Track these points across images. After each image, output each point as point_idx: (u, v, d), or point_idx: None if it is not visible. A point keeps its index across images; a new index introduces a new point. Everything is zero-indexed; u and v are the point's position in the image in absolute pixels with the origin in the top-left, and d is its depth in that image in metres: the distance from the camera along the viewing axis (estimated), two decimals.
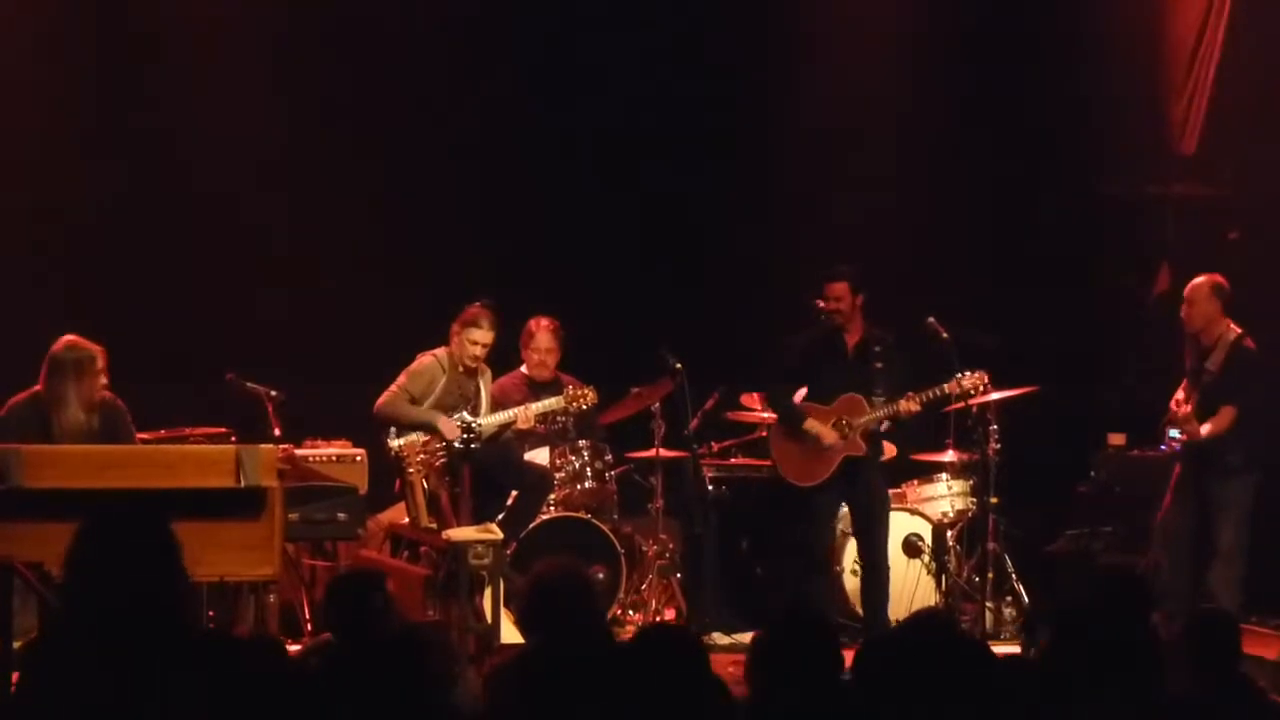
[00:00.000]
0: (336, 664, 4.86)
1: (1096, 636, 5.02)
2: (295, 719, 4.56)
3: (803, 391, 10.47)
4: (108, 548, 4.52)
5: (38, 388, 9.27)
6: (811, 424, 10.24)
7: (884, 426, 10.39)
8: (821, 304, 10.27)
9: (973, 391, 10.38)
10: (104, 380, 9.27)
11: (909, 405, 10.26)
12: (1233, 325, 10.31)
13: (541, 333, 11.02)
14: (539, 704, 5.02)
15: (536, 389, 10.91)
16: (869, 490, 10.38)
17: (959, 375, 10.30)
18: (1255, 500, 10.27)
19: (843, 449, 10.23)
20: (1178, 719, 5.06)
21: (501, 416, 10.38)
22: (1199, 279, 10.41)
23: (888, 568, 10.37)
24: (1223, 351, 10.24)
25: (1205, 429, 10.17)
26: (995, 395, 10.67)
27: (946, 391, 10.33)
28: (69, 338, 9.30)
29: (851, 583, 10.75)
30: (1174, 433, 10.45)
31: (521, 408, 10.44)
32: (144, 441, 9.78)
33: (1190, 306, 10.36)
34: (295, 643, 9.59)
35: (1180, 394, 10.46)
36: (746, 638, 9.45)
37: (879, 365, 10.28)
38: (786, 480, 10.49)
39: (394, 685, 4.53)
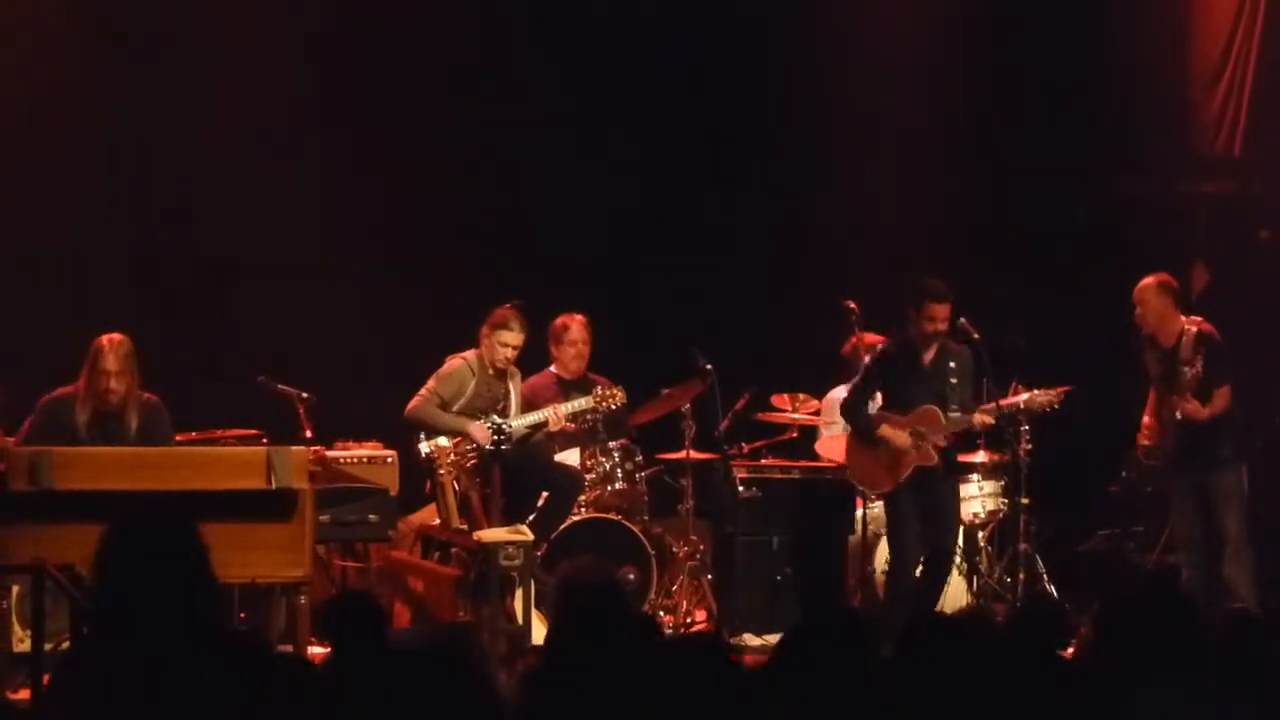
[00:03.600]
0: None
1: (1141, 636, 5.00)
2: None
3: (878, 400, 10.43)
4: (131, 551, 4.52)
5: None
6: (885, 430, 10.17)
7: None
8: (928, 325, 10.13)
9: (1049, 407, 10.33)
10: (113, 384, 9.28)
11: (984, 419, 10.23)
12: (1188, 318, 10.30)
13: (575, 326, 11.02)
14: (574, 705, 5.01)
15: (566, 388, 10.90)
16: (942, 500, 10.30)
17: (1034, 390, 10.28)
18: (1250, 488, 10.30)
19: (915, 459, 10.16)
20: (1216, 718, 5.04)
21: (532, 418, 10.37)
22: (1145, 280, 10.39)
23: (949, 573, 10.34)
24: (1191, 344, 10.23)
25: (1206, 411, 10.17)
26: (1026, 396, 10.65)
27: (1021, 406, 10.29)
28: (108, 334, 9.37)
29: (884, 583, 10.73)
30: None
31: (551, 408, 10.43)
32: (177, 443, 9.81)
33: (1142, 307, 10.35)
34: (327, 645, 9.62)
35: (1147, 418, 10.47)
36: (777, 639, 9.45)
37: (954, 380, 10.23)
38: (861, 488, 10.51)
39: (430, 689, 4.53)
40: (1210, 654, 5.09)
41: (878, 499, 10.57)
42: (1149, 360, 10.43)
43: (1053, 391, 10.35)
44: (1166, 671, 4.94)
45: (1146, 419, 10.51)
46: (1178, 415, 10.17)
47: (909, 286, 10.24)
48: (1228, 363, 10.24)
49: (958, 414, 10.17)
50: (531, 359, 10.77)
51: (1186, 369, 10.16)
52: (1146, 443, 10.62)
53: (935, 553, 10.25)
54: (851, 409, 10.43)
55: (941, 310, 10.09)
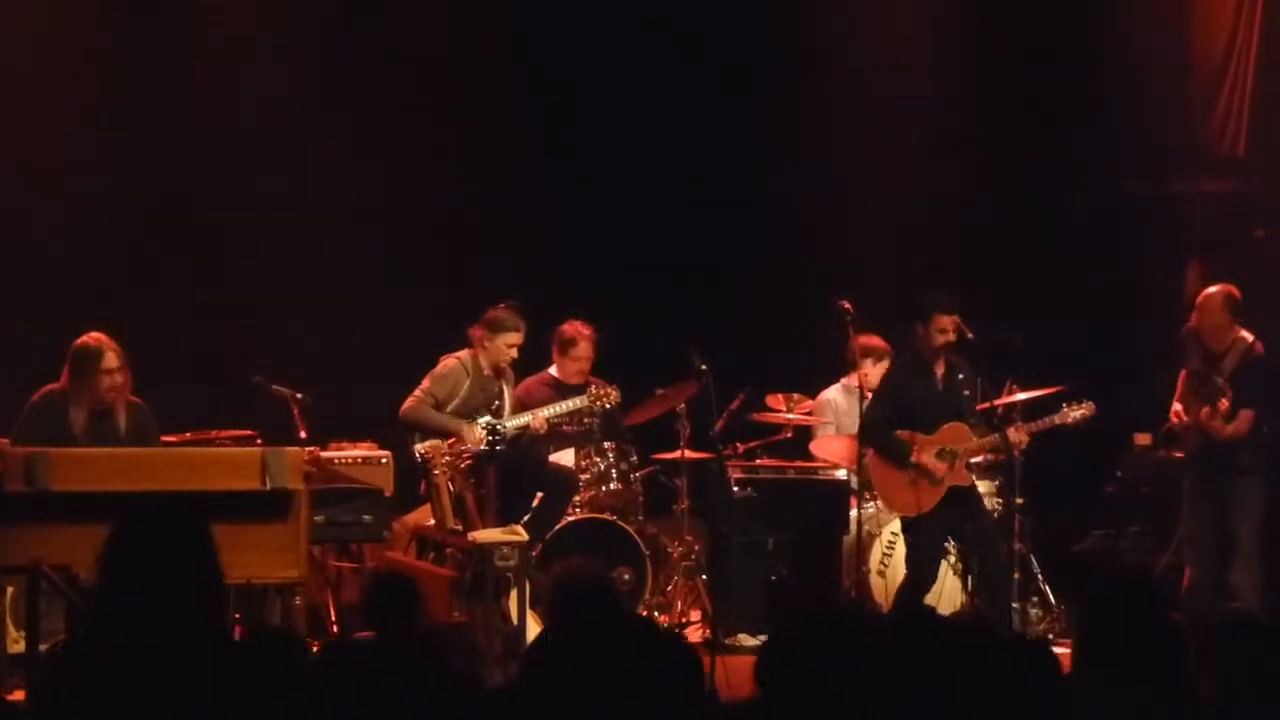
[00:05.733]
0: (375, 659, 4.86)
1: (1115, 637, 5.01)
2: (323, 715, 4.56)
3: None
4: (146, 547, 4.52)
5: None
6: (921, 457, 10.07)
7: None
8: (940, 336, 10.03)
9: (1082, 420, 10.29)
10: (118, 380, 9.27)
11: (1019, 435, 10.20)
12: (1244, 332, 10.31)
13: (584, 341, 10.99)
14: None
15: (564, 391, 10.89)
16: (976, 517, 10.24)
17: (1067, 405, 10.25)
18: (1268, 498, 10.31)
19: (951, 479, 10.10)
20: None
21: (525, 418, 10.37)
22: (1211, 289, 10.40)
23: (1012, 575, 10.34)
24: (1236, 358, 10.26)
25: (1229, 430, 10.20)
26: (1021, 395, 10.65)
27: (1056, 422, 10.26)
28: (88, 335, 9.34)
29: (878, 583, 10.74)
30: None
31: (531, 413, 10.41)
32: (170, 444, 9.80)
33: (1202, 317, 10.36)
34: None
35: (1178, 404, 10.48)
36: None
37: (966, 393, 10.19)
38: (894, 511, 10.48)
39: (432, 680, 4.53)
40: (1182, 653, 5.09)
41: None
42: (1191, 354, 10.45)
43: (1084, 405, 10.26)
44: (1140, 671, 4.95)
45: (1176, 405, 10.50)
46: (1200, 419, 10.24)
47: (914, 301, 10.18)
48: (1259, 386, 10.25)
49: (975, 428, 10.14)
50: (528, 358, 10.75)
51: (1219, 379, 10.19)
52: (1176, 420, 10.55)
53: (992, 565, 10.13)
54: (873, 432, 10.23)
55: (950, 321, 10.02)
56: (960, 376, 10.18)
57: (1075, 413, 10.26)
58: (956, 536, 10.25)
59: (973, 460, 11.14)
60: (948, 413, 10.16)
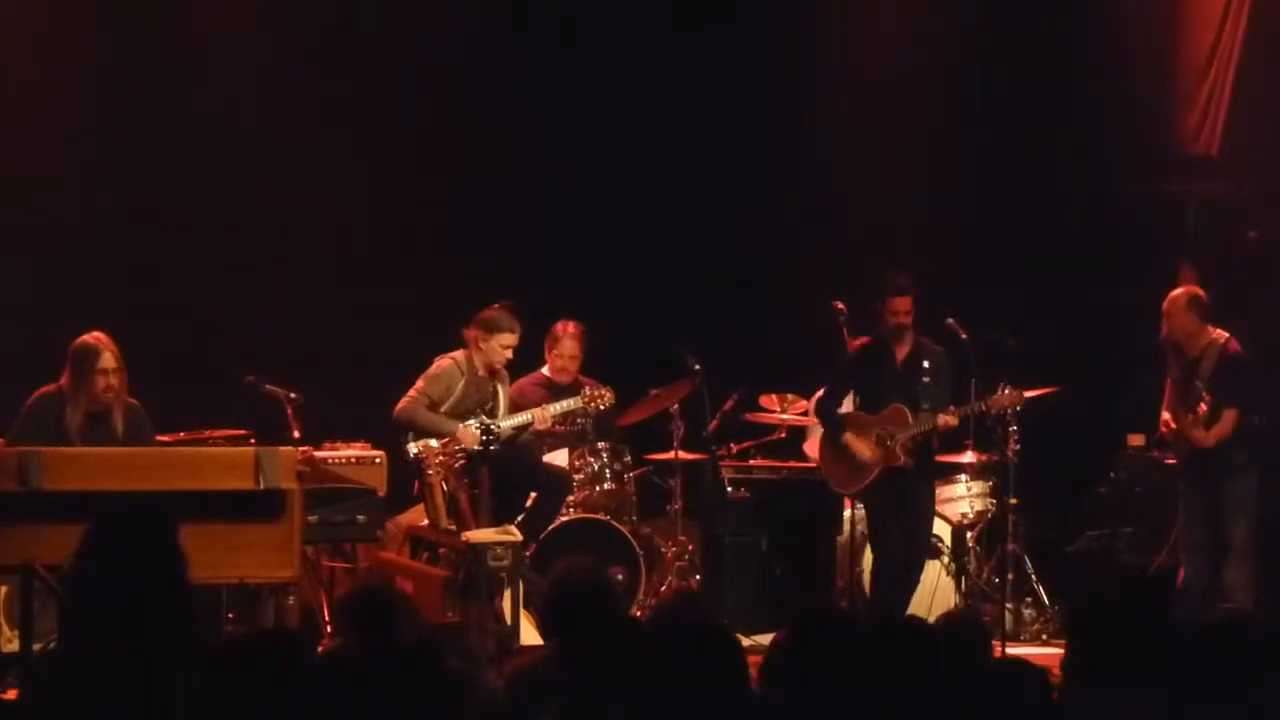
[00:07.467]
0: (359, 666, 4.85)
1: (1115, 636, 5.01)
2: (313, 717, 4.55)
3: (849, 398, 10.44)
4: (108, 552, 4.50)
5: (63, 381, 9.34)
6: (849, 438, 10.18)
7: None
8: (890, 319, 10.18)
9: (1011, 408, 10.34)
10: (113, 382, 9.26)
11: (948, 419, 10.23)
12: (1216, 331, 10.32)
13: (568, 339, 11.00)
14: (562, 704, 5.02)
15: (556, 390, 10.89)
16: (909, 500, 10.29)
17: (998, 391, 10.28)
18: (1261, 496, 10.33)
19: (880, 461, 10.17)
20: None
21: (519, 418, 10.37)
22: (1176, 292, 10.46)
23: (920, 573, 10.35)
24: (1212, 359, 10.27)
25: (1211, 436, 10.21)
26: (990, 398, 10.64)
27: (985, 407, 10.29)
28: (89, 334, 9.34)
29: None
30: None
31: (539, 408, 10.43)
32: (164, 443, 9.78)
33: (1168, 320, 10.39)
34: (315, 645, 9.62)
35: (1166, 414, 10.50)
36: (766, 639, 9.45)
37: (926, 379, 10.24)
38: (831, 486, 10.52)
39: (417, 687, 4.51)
40: (1179, 657, 5.10)
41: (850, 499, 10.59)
42: (1171, 363, 10.48)
43: (1016, 391, 10.34)
44: (1133, 674, 4.95)
45: (1165, 414, 10.52)
46: (1183, 427, 10.25)
47: (876, 283, 10.31)
48: (1240, 384, 10.27)
49: (927, 412, 10.18)
50: (523, 359, 10.74)
51: (1200, 384, 10.20)
52: (1165, 430, 10.58)
53: (908, 548, 10.25)
54: (822, 407, 10.48)
55: (902, 304, 10.17)
56: (925, 364, 10.24)
57: (1006, 398, 10.30)
58: (897, 516, 10.27)
59: (965, 461, 11.18)
60: (900, 395, 10.22)
